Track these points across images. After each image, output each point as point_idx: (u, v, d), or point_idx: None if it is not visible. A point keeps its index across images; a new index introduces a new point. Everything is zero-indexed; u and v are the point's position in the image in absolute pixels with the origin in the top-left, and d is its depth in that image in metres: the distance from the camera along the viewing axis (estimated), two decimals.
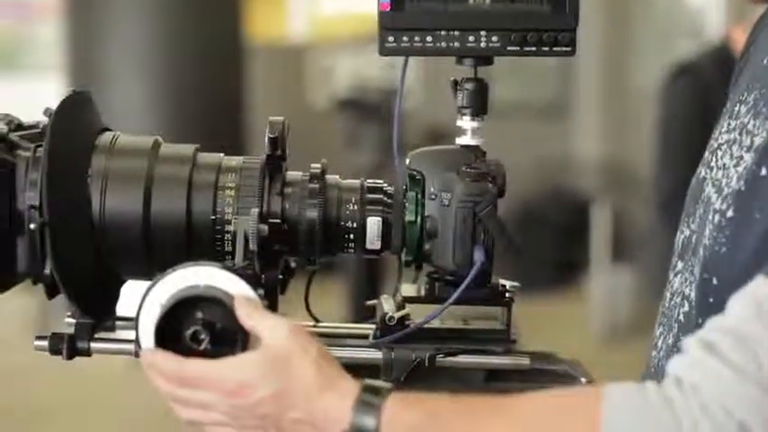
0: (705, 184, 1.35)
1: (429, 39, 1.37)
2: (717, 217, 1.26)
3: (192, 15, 5.96)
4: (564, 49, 1.38)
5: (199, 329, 1.26)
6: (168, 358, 1.26)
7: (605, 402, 1.13)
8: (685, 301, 1.34)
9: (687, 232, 1.40)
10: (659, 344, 1.43)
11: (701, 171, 1.39)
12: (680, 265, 1.41)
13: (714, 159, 1.35)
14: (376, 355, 1.42)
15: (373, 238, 1.42)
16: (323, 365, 1.25)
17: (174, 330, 1.26)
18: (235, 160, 1.44)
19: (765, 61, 1.32)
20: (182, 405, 1.29)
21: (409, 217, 1.42)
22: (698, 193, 1.38)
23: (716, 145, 1.36)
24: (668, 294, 1.43)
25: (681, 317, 1.35)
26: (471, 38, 1.37)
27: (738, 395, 1.08)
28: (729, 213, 1.24)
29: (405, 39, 1.38)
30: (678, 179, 3.42)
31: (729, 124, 1.34)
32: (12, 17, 10.31)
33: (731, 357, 1.10)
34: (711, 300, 1.25)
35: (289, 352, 1.24)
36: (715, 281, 1.25)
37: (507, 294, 1.45)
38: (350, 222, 1.42)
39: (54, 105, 1.39)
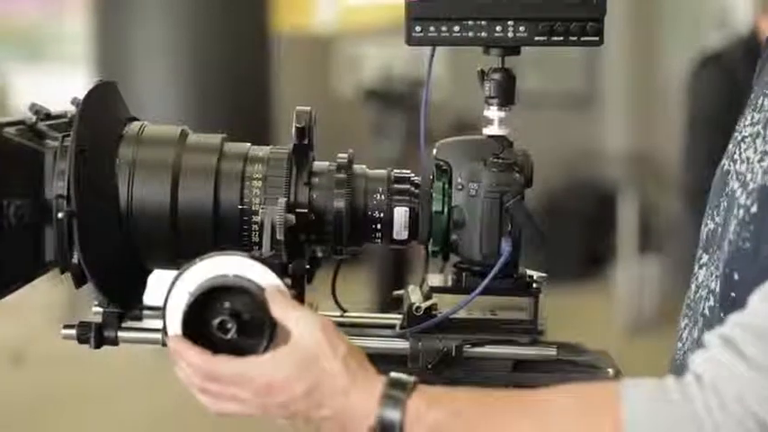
0: (729, 177, 1.35)
1: (456, 28, 1.37)
2: (741, 212, 1.25)
3: (219, 5, 5.96)
4: (591, 38, 1.38)
5: (226, 319, 1.26)
6: (197, 354, 1.27)
7: (626, 403, 1.13)
8: (711, 295, 1.34)
9: (712, 225, 1.39)
10: (684, 336, 1.42)
11: (725, 163, 1.38)
12: (705, 257, 1.40)
13: (738, 152, 1.34)
14: (403, 345, 1.42)
15: (400, 229, 1.42)
16: (350, 363, 1.26)
17: (202, 320, 1.27)
18: (262, 150, 1.44)
19: None
20: (211, 398, 1.30)
21: (436, 207, 1.41)
22: (721, 186, 1.37)
23: (740, 137, 1.35)
24: (693, 287, 1.42)
25: (706, 310, 1.35)
26: (498, 27, 1.37)
27: (756, 390, 1.08)
28: (753, 209, 1.23)
29: (432, 28, 1.37)
30: (706, 170, 3.42)
31: (753, 117, 1.33)
32: (40, 9, 10.34)
33: (749, 352, 1.10)
34: (734, 295, 1.25)
35: (317, 350, 1.25)
36: (737, 276, 1.25)
37: (534, 285, 1.45)
38: (377, 212, 1.42)
39: (81, 95, 1.40)
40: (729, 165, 1.36)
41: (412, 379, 1.25)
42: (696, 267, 1.43)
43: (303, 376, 1.24)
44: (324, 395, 1.24)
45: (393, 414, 1.21)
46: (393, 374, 1.26)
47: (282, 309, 1.27)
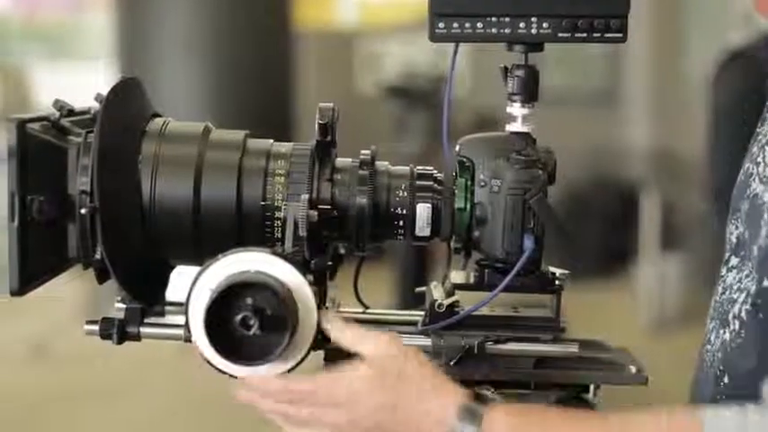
0: (752, 180, 1.34)
1: (479, 25, 1.37)
2: None
3: (241, 2, 5.96)
4: (615, 35, 1.37)
5: (248, 315, 1.26)
6: (273, 380, 1.30)
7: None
8: (749, 298, 1.33)
9: (741, 228, 1.38)
10: (712, 338, 1.41)
11: (749, 167, 1.37)
12: (734, 260, 1.39)
13: (762, 155, 1.33)
14: (425, 342, 1.42)
15: (423, 225, 1.42)
16: (426, 374, 1.29)
17: (224, 316, 1.27)
18: (285, 146, 1.44)
19: None
20: (293, 422, 1.32)
21: (459, 204, 1.41)
22: (743, 189, 1.36)
23: (764, 141, 1.34)
24: (720, 288, 1.41)
25: (743, 314, 1.34)
26: (522, 24, 1.37)
27: None
28: None
29: (455, 25, 1.37)
30: (729, 168, 3.40)
31: None
32: (64, 6, 10.38)
33: None
34: (759, 301, 1.24)
35: (394, 361, 1.29)
36: (766, 282, 1.25)
37: (557, 282, 1.44)
38: (399, 209, 1.42)
39: (105, 92, 1.40)
40: (752, 168, 1.36)
41: (492, 395, 1.30)
42: (723, 269, 1.42)
43: (382, 389, 1.28)
44: (406, 405, 1.27)
45: (469, 428, 1.24)
46: (476, 389, 1.30)
47: (346, 336, 1.32)
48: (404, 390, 1.27)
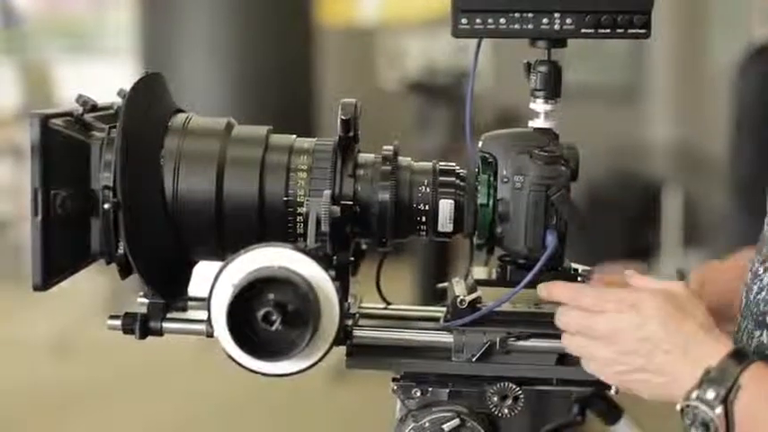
0: None
1: (502, 20, 1.36)
2: None
3: None
4: (638, 31, 1.37)
5: (270, 310, 1.26)
6: (568, 286, 1.37)
7: None
8: None
9: None
10: (743, 338, 1.40)
11: None
12: None
13: None
14: (447, 338, 1.42)
15: (445, 221, 1.42)
16: (709, 316, 1.31)
17: (246, 311, 1.27)
18: (307, 142, 1.44)
19: None
20: (565, 320, 1.36)
21: (481, 200, 1.41)
22: None
23: None
24: (756, 287, 1.40)
25: None
26: (545, 20, 1.36)
27: None
28: None
29: (478, 20, 1.37)
30: (754, 163, 3.39)
31: None
32: (86, 2, 10.41)
33: None
34: None
35: (684, 295, 1.32)
36: None
37: (579, 278, 1.44)
38: (422, 205, 1.42)
39: (127, 87, 1.40)
40: None
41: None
42: (760, 268, 1.41)
43: (670, 305, 1.30)
44: (680, 327, 1.28)
45: (733, 368, 1.24)
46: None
47: (643, 279, 1.37)
48: (685, 322, 1.29)
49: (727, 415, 1.22)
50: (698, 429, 1.24)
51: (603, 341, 1.32)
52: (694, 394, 1.24)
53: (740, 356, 1.25)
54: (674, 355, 1.27)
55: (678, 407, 1.27)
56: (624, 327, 1.30)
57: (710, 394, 1.23)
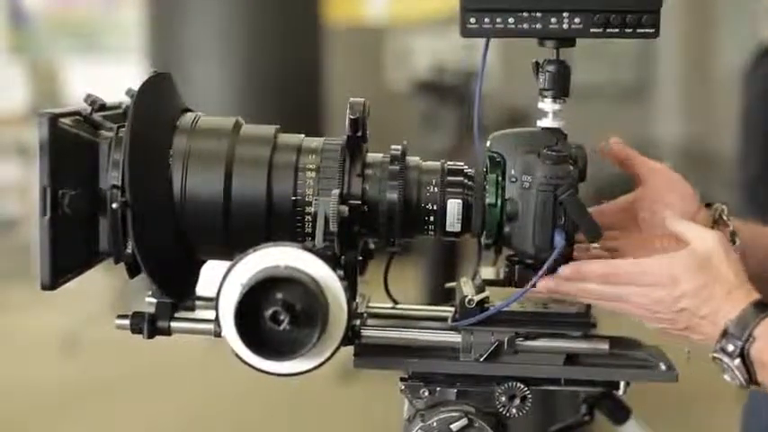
0: None
1: (511, 20, 1.36)
2: None
3: None
4: (647, 30, 1.36)
5: (278, 310, 1.26)
6: (598, 264, 1.39)
7: None
8: None
9: None
10: None
11: None
12: None
13: None
14: (455, 338, 1.42)
15: (453, 221, 1.42)
16: (738, 271, 1.37)
17: (254, 311, 1.27)
18: (315, 141, 1.44)
19: None
20: (606, 300, 1.40)
21: (489, 199, 1.41)
22: None
23: None
24: None
25: None
26: (554, 19, 1.36)
27: None
28: None
29: (486, 20, 1.36)
30: (761, 162, 3.38)
31: None
32: (96, 1, 10.42)
33: None
34: None
35: (714, 254, 1.36)
36: None
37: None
38: (430, 204, 1.42)
39: (136, 86, 1.40)
40: None
41: None
42: None
43: (700, 272, 1.35)
44: (711, 293, 1.35)
45: (750, 318, 1.32)
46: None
47: (677, 222, 1.42)
48: (716, 277, 1.35)
49: (746, 365, 1.32)
50: (727, 377, 1.35)
51: (643, 310, 1.39)
52: (718, 346, 1.34)
53: (759, 309, 1.33)
54: (709, 318, 1.35)
55: (710, 356, 1.36)
56: (661, 300, 1.36)
57: (730, 347, 1.32)
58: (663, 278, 1.35)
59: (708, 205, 1.55)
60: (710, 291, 1.35)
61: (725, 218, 1.54)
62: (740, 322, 1.32)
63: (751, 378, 1.33)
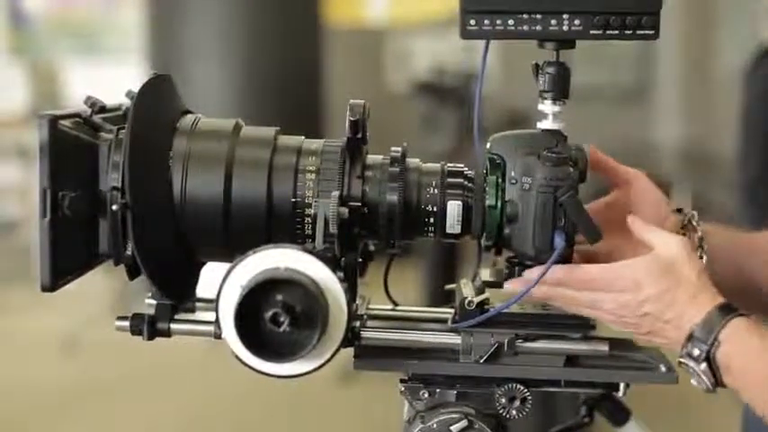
0: None
1: (511, 22, 1.36)
2: None
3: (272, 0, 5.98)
4: (647, 32, 1.36)
5: (278, 312, 1.26)
6: (568, 269, 1.39)
7: None
8: None
9: None
10: None
11: None
12: None
13: None
14: (455, 339, 1.42)
15: (453, 222, 1.42)
16: (703, 274, 1.37)
17: (254, 312, 1.27)
18: (315, 143, 1.44)
19: None
20: (573, 304, 1.41)
21: (489, 201, 1.41)
22: None
23: None
24: None
25: None
26: (553, 21, 1.36)
27: None
28: None
29: (486, 22, 1.37)
30: (761, 163, 3.38)
31: None
32: (95, 2, 10.42)
33: None
34: None
35: (678, 259, 1.37)
36: None
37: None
38: (430, 206, 1.42)
39: (136, 88, 1.40)
40: None
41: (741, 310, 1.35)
42: None
43: (663, 277, 1.35)
44: (674, 298, 1.35)
45: (714, 324, 1.32)
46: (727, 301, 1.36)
47: (643, 228, 1.42)
48: (679, 281, 1.35)
49: (712, 369, 1.32)
50: (694, 381, 1.35)
51: (610, 315, 1.39)
52: (684, 351, 1.34)
53: (724, 312, 1.33)
54: (672, 323, 1.35)
55: (676, 361, 1.37)
56: (626, 304, 1.36)
57: (696, 351, 1.33)
58: (627, 282, 1.36)
59: (678, 211, 1.56)
60: (673, 295, 1.35)
61: (694, 223, 1.54)
62: (705, 326, 1.32)
63: (717, 382, 1.33)
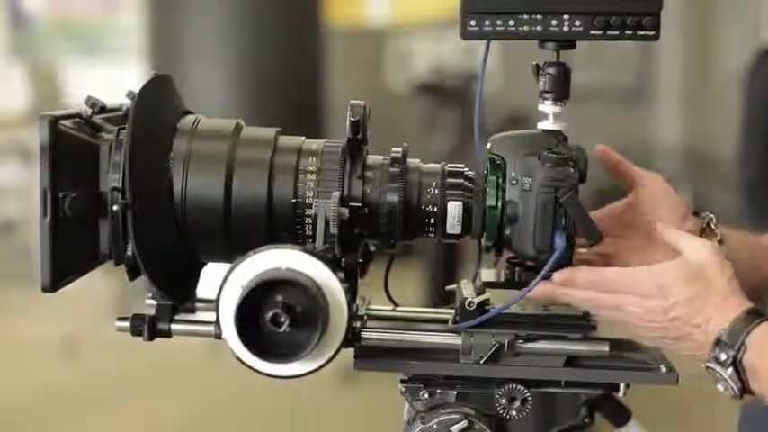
0: None
1: (511, 22, 1.36)
2: None
3: (272, 0, 5.98)
4: (647, 33, 1.37)
5: (279, 312, 1.26)
6: (591, 271, 1.38)
7: None
8: None
9: None
10: None
11: None
12: None
13: None
14: (455, 339, 1.42)
15: (454, 223, 1.42)
16: (733, 282, 1.36)
17: (255, 313, 1.27)
18: (316, 144, 1.44)
19: None
20: (600, 308, 1.40)
21: (490, 202, 1.41)
22: None
23: None
24: None
25: None
26: (554, 21, 1.36)
27: None
28: None
29: (487, 22, 1.37)
30: (762, 164, 3.39)
31: None
32: (96, 3, 10.43)
33: None
34: None
35: (708, 264, 1.37)
36: None
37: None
38: (430, 206, 1.42)
39: (136, 89, 1.40)
40: None
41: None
42: None
43: (691, 282, 1.35)
44: (704, 303, 1.34)
45: (738, 331, 1.32)
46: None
47: (672, 232, 1.42)
48: (708, 286, 1.35)
49: (739, 374, 1.32)
50: (720, 386, 1.34)
51: (637, 319, 1.38)
52: (711, 356, 1.34)
53: (751, 317, 1.32)
54: (702, 327, 1.35)
55: (703, 366, 1.35)
56: (653, 309, 1.36)
57: (723, 356, 1.32)
58: (651, 288, 1.35)
59: (696, 214, 1.56)
60: (703, 300, 1.35)
61: (713, 226, 1.54)
62: (733, 331, 1.32)
63: (744, 387, 1.33)
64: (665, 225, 1.45)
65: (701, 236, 1.52)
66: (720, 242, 1.50)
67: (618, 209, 1.56)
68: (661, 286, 1.35)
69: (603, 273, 1.39)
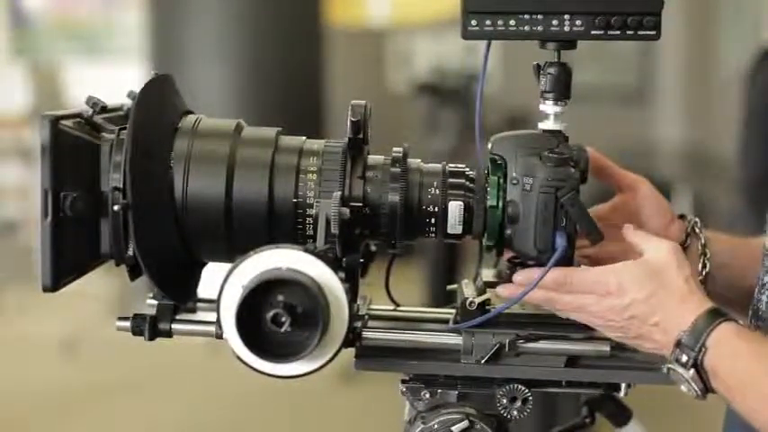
0: None
1: (512, 22, 1.36)
2: None
3: (273, 0, 5.97)
4: (648, 32, 1.37)
5: (279, 312, 1.26)
6: (555, 271, 1.37)
7: None
8: None
9: None
10: None
11: None
12: None
13: None
14: (456, 340, 1.42)
15: (455, 223, 1.42)
16: (690, 282, 1.35)
17: (255, 313, 1.27)
18: (317, 144, 1.44)
19: None
20: (559, 307, 1.39)
21: (491, 202, 1.41)
22: None
23: None
24: (765, 297, 1.42)
25: None
26: (555, 21, 1.36)
27: None
28: None
29: (488, 22, 1.37)
30: (762, 164, 3.39)
31: None
32: (97, 3, 10.42)
33: None
34: None
35: (666, 265, 1.35)
36: None
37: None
38: (431, 206, 1.42)
39: (137, 89, 1.40)
40: None
41: (730, 315, 1.34)
42: (766, 278, 1.42)
43: (648, 281, 1.34)
44: (660, 302, 1.34)
45: (700, 331, 1.30)
46: (717, 306, 1.35)
47: (634, 234, 1.41)
48: (665, 286, 1.34)
49: (701, 375, 1.31)
50: (683, 387, 1.33)
51: (597, 319, 1.37)
52: (672, 357, 1.33)
53: (712, 317, 1.32)
54: (660, 326, 1.34)
55: (664, 369, 1.35)
56: (612, 308, 1.35)
57: (684, 357, 1.31)
58: (611, 286, 1.35)
59: (681, 217, 1.56)
60: (659, 299, 1.34)
61: (697, 230, 1.54)
62: (693, 332, 1.31)
63: (707, 387, 1.32)
64: (628, 227, 1.44)
65: (686, 239, 1.53)
66: (704, 246, 1.51)
67: (603, 211, 1.56)
68: (619, 285, 1.34)
69: (567, 273, 1.38)
